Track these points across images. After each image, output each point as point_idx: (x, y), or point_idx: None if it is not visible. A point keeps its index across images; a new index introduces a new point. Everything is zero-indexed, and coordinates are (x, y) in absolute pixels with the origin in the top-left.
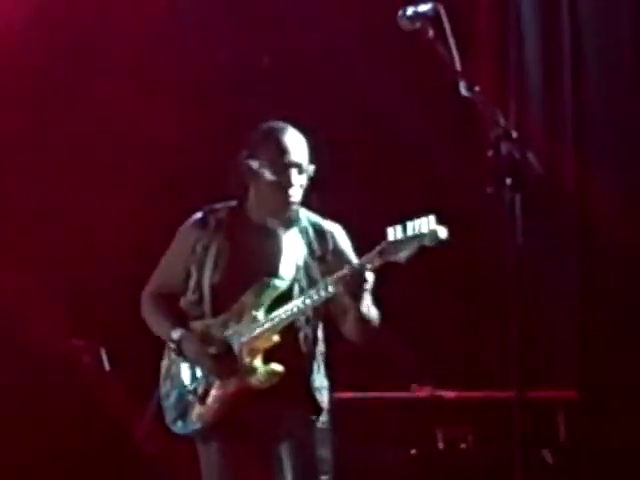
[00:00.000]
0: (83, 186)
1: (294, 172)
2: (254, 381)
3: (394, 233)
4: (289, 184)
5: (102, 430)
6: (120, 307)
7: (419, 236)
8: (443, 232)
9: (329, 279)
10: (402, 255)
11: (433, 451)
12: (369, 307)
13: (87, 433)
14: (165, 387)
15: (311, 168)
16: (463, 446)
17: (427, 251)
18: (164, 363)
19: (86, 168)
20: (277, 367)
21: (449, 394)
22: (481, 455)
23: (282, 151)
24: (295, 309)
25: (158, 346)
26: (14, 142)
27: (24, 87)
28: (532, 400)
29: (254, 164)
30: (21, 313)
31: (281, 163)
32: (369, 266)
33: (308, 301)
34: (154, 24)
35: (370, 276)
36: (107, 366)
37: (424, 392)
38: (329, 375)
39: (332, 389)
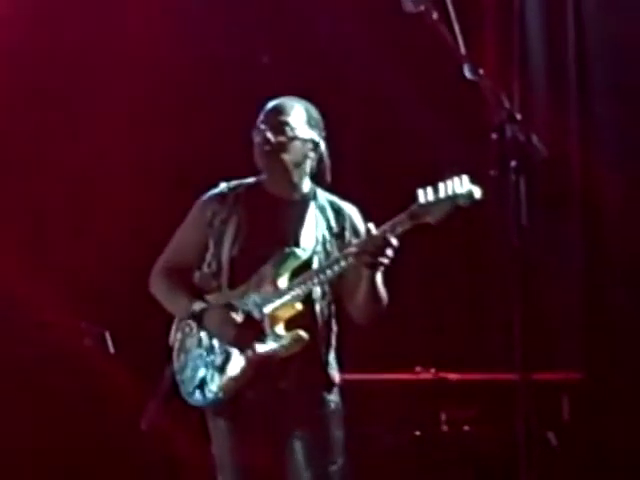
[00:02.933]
0: (87, 173)
1: (256, 135)
2: (279, 348)
3: (425, 195)
4: (256, 146)
5: (106, 412)
6: (124, 290)
7: (453, 197)
8: (478, 192)
9: (349, 249)
10: (434, 217)
11: (437, 433)
12: (381, 283)
13: (91, 416)
14: (179, 361)
15: (280, 137)
16: (467, 428)
17: (430, 234)
18: (177, 337)
19: (91, 156)
20: (302, 333)
21: (453, 376)
22: (485, 437)
23: (259, 116)
24: (321, 277)
25: (163, 328)
26: (19, 132)
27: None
28: (536, 382)
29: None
30: (25, 297)
31: (255, 126)
32: (399, 229)
33: (332, 270)
34: (155, 21)
35: (394, 241)
36: (111, 349)
37: (428, 374)
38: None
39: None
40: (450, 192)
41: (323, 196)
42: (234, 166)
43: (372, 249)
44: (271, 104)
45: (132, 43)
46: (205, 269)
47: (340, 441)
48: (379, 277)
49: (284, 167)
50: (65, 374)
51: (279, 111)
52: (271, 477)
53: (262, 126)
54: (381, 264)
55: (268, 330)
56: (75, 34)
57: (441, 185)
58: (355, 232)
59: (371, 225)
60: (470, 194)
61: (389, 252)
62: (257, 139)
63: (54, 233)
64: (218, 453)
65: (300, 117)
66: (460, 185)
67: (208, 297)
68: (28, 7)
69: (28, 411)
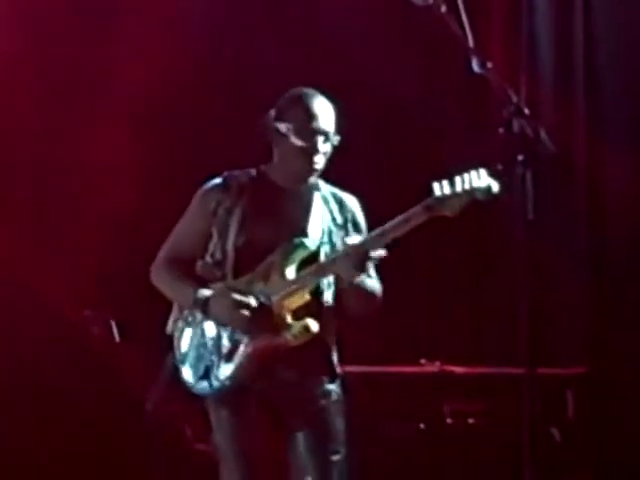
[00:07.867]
0: (90, 161)
1: (320, 139)
2: (289, 336)
3: (441, 188)
4: (314, 151)
5: (113, 400)
6: (131, 278)
7: (470, 191)
8: (496, 186)
9: (344, 248)
10: (450, 210)
11: (441, 426)
12: (371, 279)
13: (98, 403)
14: (181, 350)
15: (336, 138)
16: (471, 421)
17: (437, 228)
18: (178, 325)
19: (94, 146)
20: (312, 322)
21: (458, 369)
22: (489, 431)
23: (310, 117)
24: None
25: (169, 316)
26: (22, 130)
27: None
28: (541, 377)
29: (281, 127)
30: (30, 285)
31: (308, 128)
32: (414, 222)
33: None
34: (156, 20)
35: (381, 252)
36: (117, 337)
37: (433, 367)
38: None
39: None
40: (467, 186)
41: (326, 187)
42: (235, 163)
43: (353, 258)
44: (312, 115)
45: (133, 43)
46: (208, 259)
47: (342, 431)
48: (369, 271)
49: (307, 173)
50: (71, 363)
51: (325, 133)
52: (274, 467)
53: (300, 136)
54: (362, 269)
55: (279, 318)
56: (76, 34)
57: (458, 178)
58: (355, 224)
59: (350, 239)
60: (488, 188)
61: (369, 261)
62: (295, 147)
63: (58, 221)
64: (221, 443)
65: (334, 127)
66: (478, 178)
67: (212, 287)
68: (29, 11)
69: (32, 399)
